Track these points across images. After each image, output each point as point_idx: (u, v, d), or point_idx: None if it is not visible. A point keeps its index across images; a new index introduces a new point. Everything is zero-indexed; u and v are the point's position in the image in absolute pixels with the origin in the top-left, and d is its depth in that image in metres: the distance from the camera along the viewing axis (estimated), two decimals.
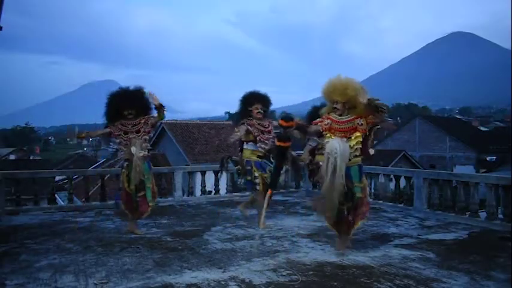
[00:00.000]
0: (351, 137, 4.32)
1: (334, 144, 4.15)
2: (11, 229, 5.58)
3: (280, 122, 4.46)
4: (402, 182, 7.36)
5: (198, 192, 8.27)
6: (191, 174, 8.27)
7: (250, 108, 5.50)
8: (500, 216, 5.72)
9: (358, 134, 4.31)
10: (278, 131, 5.21)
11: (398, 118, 77.93)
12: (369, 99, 4.12)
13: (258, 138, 5.47)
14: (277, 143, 4.65)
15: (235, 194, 8.18)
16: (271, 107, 5.90)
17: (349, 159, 4.22)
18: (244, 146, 5.64)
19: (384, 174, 7.56)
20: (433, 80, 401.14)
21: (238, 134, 5.38)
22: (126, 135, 5.16)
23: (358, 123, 4.32)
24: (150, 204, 5.21)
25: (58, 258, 4.20)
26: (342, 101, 4.30)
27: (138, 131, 5.19)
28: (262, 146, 5.48)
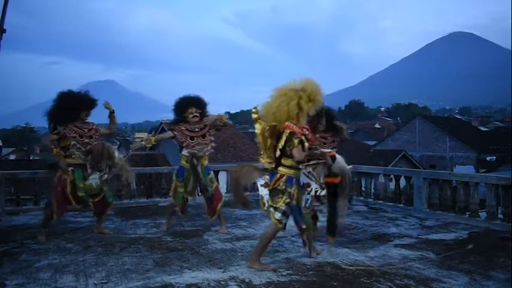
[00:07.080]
0: None
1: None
2: (11, 229, 5.58)
3: (326, 179, 3.90)
4: (402, 182, 7.36)
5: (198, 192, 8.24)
6: None
7: (185, 114, 5.29)
8: (500, 216, 5.72)
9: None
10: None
11: (398, 118, 77.86)
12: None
13: (184, 144, 5.30)
14: (326, 180, 3.93)
15: None
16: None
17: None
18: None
19: (383, 174, 7.56)
20: (433, 80, 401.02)
21: (143, 143, 5.40)
22: (82, 139, 4.97)
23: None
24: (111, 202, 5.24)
25: (58, 258, 4.20)
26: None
27: (91, 137, 5.03)
28: (190, 151, 5.27)
